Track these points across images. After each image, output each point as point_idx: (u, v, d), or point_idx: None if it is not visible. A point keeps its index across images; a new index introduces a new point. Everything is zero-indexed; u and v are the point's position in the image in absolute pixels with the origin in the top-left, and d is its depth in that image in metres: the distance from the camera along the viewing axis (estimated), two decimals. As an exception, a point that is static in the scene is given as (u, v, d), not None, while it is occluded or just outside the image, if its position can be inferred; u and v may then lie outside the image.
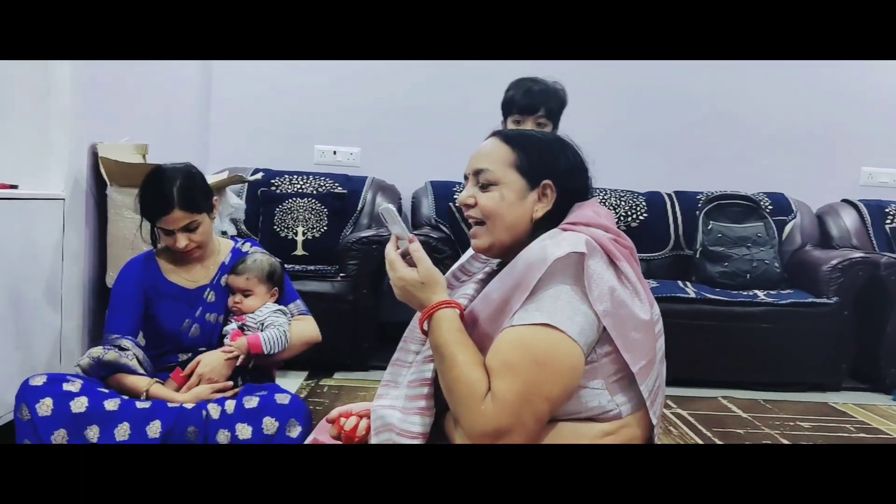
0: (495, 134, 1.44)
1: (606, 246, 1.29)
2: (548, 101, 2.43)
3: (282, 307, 2.21)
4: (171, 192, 2.06)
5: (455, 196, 3.71)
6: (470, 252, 1.54)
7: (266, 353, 2.09)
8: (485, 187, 1.38)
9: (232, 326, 2.17)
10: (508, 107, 2.46)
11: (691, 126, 4.28)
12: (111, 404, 1.94)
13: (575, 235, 1.29)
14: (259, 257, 2.22)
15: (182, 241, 2.09)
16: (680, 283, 3.71)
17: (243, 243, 2.33)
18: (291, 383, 3.14)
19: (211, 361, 2.09)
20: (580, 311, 1.23)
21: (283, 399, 2.04)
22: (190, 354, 2.16)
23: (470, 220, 1.42)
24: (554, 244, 1.27)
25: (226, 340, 2.16)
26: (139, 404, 1.96)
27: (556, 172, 1.39)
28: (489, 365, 1.23)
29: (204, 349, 2.16)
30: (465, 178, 1.45)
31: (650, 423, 1.32)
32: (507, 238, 1.38)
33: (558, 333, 1.21)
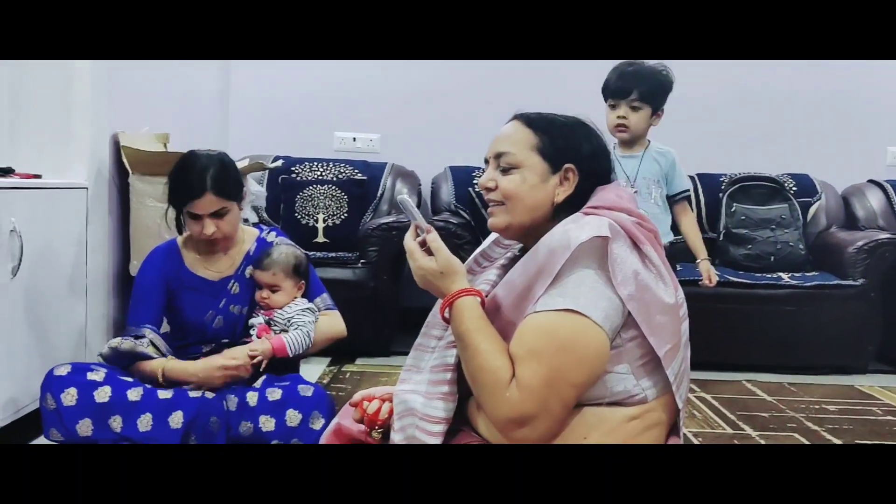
0: (517, 117, 1.43)
1: (630, 229, 1.28)
2: (640, 83, 2.45)
3: (310, 305, 2.20)
4: (205, 176, 2.05)
5: (475, 181, 3.70)
6: (492, 237, 1.53)
7: (290, 355, 2.10)
8: (506, 171, 1.37)
9: (259, 320, 2.16)
10: (604, 92, 2.50)
11: (714, 107, 4.22)
12: (134, 394, 1.95)
13: (598, 219, 1.27)
14: (284, 250, 2.19)
15: (210, 227, 2.07)
16: (703, 266, 3.68)
17: (268, 232, 2.31)
18: (314, 370, 3.15)
19: (236, 356, 2.09)
20: (605, 296, 1.22)
21: (306, 391, 2.04)
22: (213, 346, 2.17)
23: (490, 204, 1.41)
24: (577, 228, 1.25)
25: (252, 333, 2.16)
26: (161, 394, 1.97)
27: (579, 156, 1.37)
28: (513, 352, 1.23)
29: (227, 340, 2.17)
30: (486, 161, 1.43)
31: (676, 406, 1.31)
32: (526, 220, 1.36)
33: (583, 319, 1.20)
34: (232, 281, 2.19)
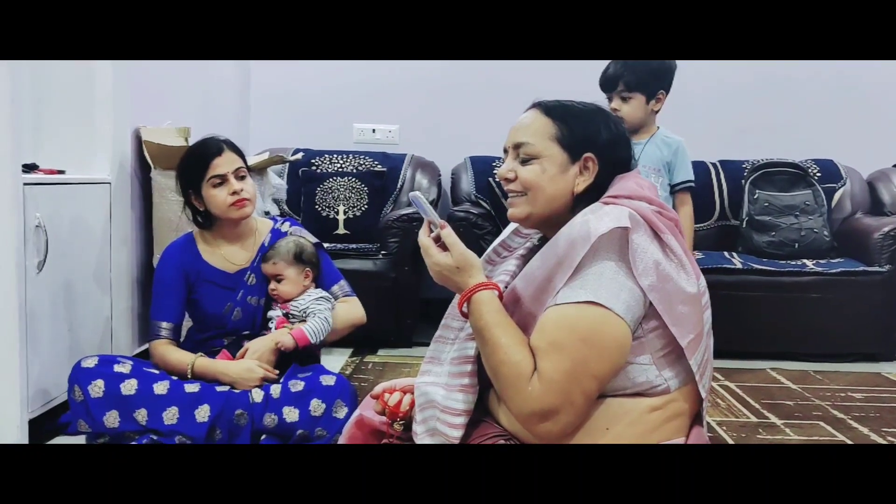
0: (535, 105, 1.42)
1: (650, 218, 1.27)
2: (626, 73, 2.45)
3: (324, 293, 2.21)
4: (218, 139, 2.17)
5: (495, 171, 3.69)
6: (511, 227, 1.52)
7: (313, 343, 2.11)
8: (525, 161, 1.36)
9: (277, 313, 2.18)
10: (599, 85, 2.54)
11: (735, 93, 4.18)
12: (160, 388, 1.98)
13: (617, 209, 1.26)
14: (287, 239, 2.21)
15: (236, 183, 2.12)
16: (726, 253, 3.65)
17: (283, 223, 2.32)
18: (336, 361, 3.17)
19: (260, 348, 2.11)
20: (626, 287, 1.21)
21: (328, 380, 2.06)
22: (234, 338, 2.19)
23: (509, 194, 1.40)
24: (596, 219, 1.24)
25: (271, 325, 2.18)
26: (188, 388, 1.99)
27: (598, 144, 1.36)
28: (534, 345, 1.22)
29: (248, 333, 2.19)
30: (505, 151, 1.43)
31: (699, 396, 1.30)
32: (546, 210, 1.36)
33: (604, 311, 1.20)
34: (248, 272, 2.20)
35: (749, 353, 3.39)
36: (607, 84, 2.49)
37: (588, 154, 1.35)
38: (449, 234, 1.33)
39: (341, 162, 3.91)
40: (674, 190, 2.59)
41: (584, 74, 4.07)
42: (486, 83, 4.16)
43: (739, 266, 3.46)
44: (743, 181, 3.84)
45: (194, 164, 2.15)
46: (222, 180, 2.12)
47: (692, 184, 2.62)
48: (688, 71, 4.16)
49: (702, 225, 3.88)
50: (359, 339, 3.40)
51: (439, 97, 4.19)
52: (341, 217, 3.71)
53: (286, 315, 2.17)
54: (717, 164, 3.99)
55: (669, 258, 1.26)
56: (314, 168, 3.87)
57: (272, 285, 2.16)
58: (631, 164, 1.41)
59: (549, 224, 1.37)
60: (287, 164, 3.85)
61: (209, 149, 2.15)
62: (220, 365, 2.08)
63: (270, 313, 2.20)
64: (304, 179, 3.81)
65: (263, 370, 2.06)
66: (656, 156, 2.55)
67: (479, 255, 1.51)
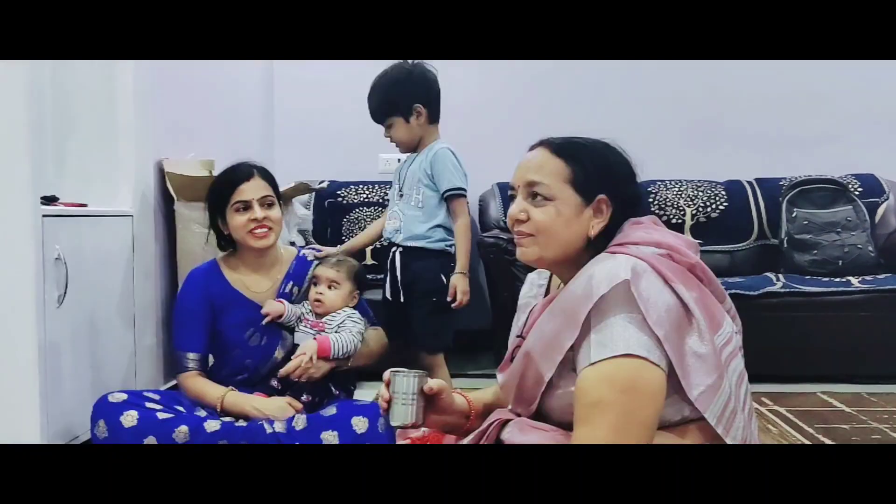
0: (543, 144, 1.38)
1: (657, 266, 1.24)
2: (373, 106, 2.50)
3: (360, 317, 2.16)
4: (251, 165, 2.15)
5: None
6: (528, 281, 1.54)
7: (333, 356, 2.03)
8: (537, 201, 1.33)
9: (308, 335, 2.10)
10: None
11: (769, 108, 4.06)
12: (180, 435, 1.88)
13: (621, 261, 1.24)
14: (349, 258, 2.22)
15: (259, 211, 2.07)
16: (768, 274, 3.51)
17: (309, 251, 2.29)
18: (368, 394, 3.07)
19: (310, 348, 2.03)
20: (645, 334, 1.19)
21: (363, 401, 1.99)
22: (246, 375, 2.12)
23: (517, 236, 1.37)
24: (599, 276, 1.22)
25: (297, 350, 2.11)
26: (209, 427, 1.91)
27: (611, 185, 1.34)
28: (576, 416, 1.20)
29: (270, 363, 2.11)
30: (511, 188, 1.39)
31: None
32: (558, 255, 1.34)
33: (639, 360, 1.18)
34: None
35: (798, 377, 3.23)
36: (374, 118, 2.53)
37: (601, 196, 1.32)
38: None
39: (367, 192, 3.85)
40: (445, 198, 2.46)
41: (603, 98, 4.03)
42: (511, 108, 4.09)
43: (782, 287, 3.32)
44: (780, 199, 3.72)
45: (221, 187, 2.14)
46: (246, 206, 2.08)
47: (459, 191, 2.47)
48: (719, 87, 4.10)
49: (740, 245, 3.77)
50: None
51: (463, 123, 4.09)
52: (368, 248, 3.63)
53: (315, 336, 2.10)
54: (753, 183, 3.88)
55: (681, 307, 1.24)
56: (340, 199, 3.82)
57: (319, 290, 2.11)
58: (640, 201, 1.41)
59: (562, 266, 1.36)
60: (313, 196, 3.81)
61: (238, 173, 2.13)
62: (253, 401, 2.00)
63: (299, 336, 2.13)
64: (331, 211, 3.76)
65: (294, 409, 1.99)
66: (417, 168, 2.48)
67: (512, 283, 1.58)
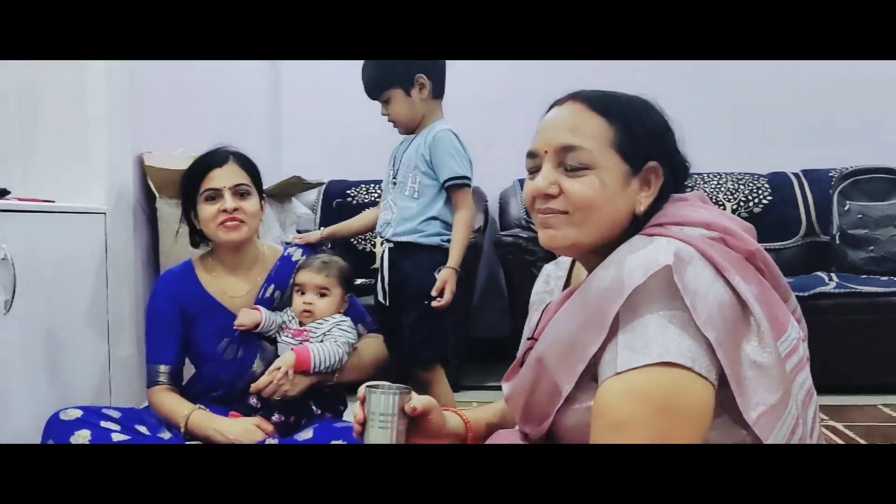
0: (575, 98, 1.09)
1: (707, 252, 0.96)
2: (368, 79, 2.20)
3: (352, 325, 1.89)
4: (227, 150, 1.90)
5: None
6: (547, 269, 1.28)
7: (314, 369, 1.75)
8: (574, 171, 1.04)
9: (288, 340, 1.84)
10: None
11: (816, 95, 3.73)
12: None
13: (661, 244, 0.97)
14: (334, 258, 1.91)
15: (231, 201, 1.82)
16: (819, 274, 3.17)
17: (295, 251, 2.02)
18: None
19: (286, 361, 1.76)
20: (689, 336, 0.91)
21: (342, 423, 1.73)
22: (221, 392, 1.87)
23: (540, 217, 1.08)
24: (633, 263, 0.94)
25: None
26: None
27: (664, 151, 1.07)
28: (595, 440, 0.93)
29: (248, 377, 1.85)
30: (531, 156, 1.11)
31: None
32: (598, 239, 1.06)
33: (680, 370, 0.90)
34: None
35: (854, 387, 2.90)
36: (369, 93, 2.22)
37: (651, 164, 1.06)
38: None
39: (378, 193, 3.60)
40: (446, 188, 2.16)
41: (635, 80, 3.73)
42: (530, 102, 3.80)
43: (836, 287, 2.99)
44: (830, 192, 3.39)
45: (192, 173, 1.90)
46: (216, 195, 1.82)
47: (461, 180, 2.16)
48: (762, 75, 3.77)
49: (787, 243, 3.44)
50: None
51: (480, 118, 3.85)
52: (378, 250, 3.37)
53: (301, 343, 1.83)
54: (800, 175, 3.55)
55: (737, 303, 0.96)
56: (350, 199, 3.58)
57: (306, 300, 1.83)
58: (687, 173, 1.13)
59: (600, 251, 1.06)
60: (321, 196, 3.57)
61: (211, 158, 1.89)
62: (217, 423, 1.74)
63: (281, 346, 1.86)
64: (339, 210, 3.52)
65: (263, 432, 1.72)
66: (413, 152, 2.19)
67: (532, 282, 1.30)
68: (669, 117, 1.13)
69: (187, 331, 1.89)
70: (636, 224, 1.06)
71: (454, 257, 2.10)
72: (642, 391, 0.91)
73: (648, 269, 0.93)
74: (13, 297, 1.78)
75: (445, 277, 2.08)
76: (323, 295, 1.85)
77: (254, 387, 1.75)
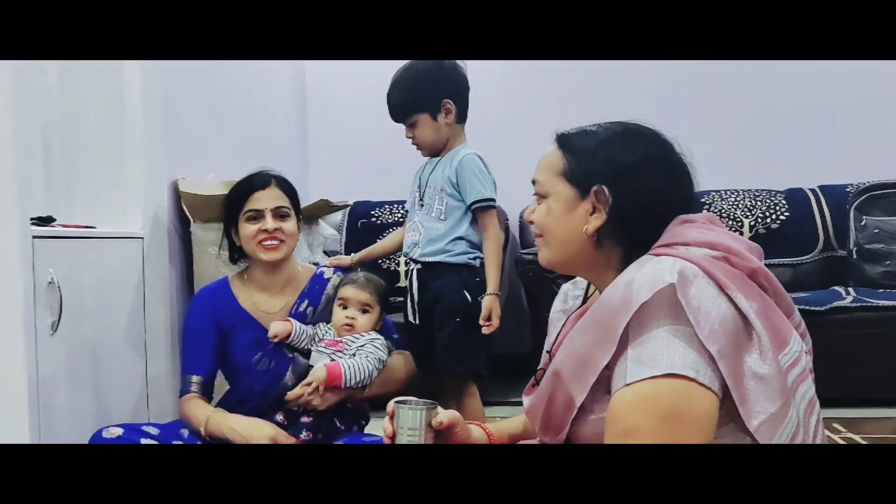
0: (555, 138, 1.26)
1: (710, 270, 1.04)
2: (395, 103, 2.26)
3: (379, 340, 1.98)
4: (270, 173, 2.03)
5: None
6: (562, 292, 1.40)
7: (344, 384, 1.84)
8: (540, 199, 1.23)
9: (324, 357, 1.92)
10: None
11: (832, 110, 3.77)
12: None
13: (666, 263, 1.05)
14: (374, 277, 2.02)
15: (271, 222, 1.94)
16: (836, 288, 3.22)
17: (327, 269, 2.12)
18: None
19: (318, 377, 1.85)
20: (694, 349, 0.99)
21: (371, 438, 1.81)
22: (254, 404, 1.95)
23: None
24: (640, 280, 1.03)
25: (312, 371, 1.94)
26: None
27: (612, 172, 1.16)
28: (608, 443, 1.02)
29: (280, 389, 1.94)
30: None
31: None
32: (561, 255, 1.21)
33: (686, 382, 0.98)
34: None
35: (872, 400, 2.94)
36: (396, 116, 2.28)
37: (597, 187, 1.16)
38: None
39: (402, 213, 3.69)
40: (472, 210, 2.23)
41: (649, 102, 3.80)
42: (549, 126, 3.88)
43: (853, 302, 3.03)
44: (847, 207, 3.43)
45: (236, 195, 2.02)
46: (258, 216, 1.94)
47: (487, 202, 2.22)
48: (779, 93, 3.83)
49: (804, 258, 3.48)
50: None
51: (499, 138, 3.93)
52: (402, 269, 3.47)
53: (332, 356, 1.92)
54: (817, 190, 3.60)
55: (739, 319, 1.03)
56: (374, 219, 3.68)
57: (349, 314, 1.93)
58: (682, 195, 1.19)
59: (576, 268, 1.23)
60: (346, 216, 3.67)
61: (254, 181, 2.02)
62: (231, 421, 1.85)
63: (314, 356, 1.95)
64: (364, 231, 3.62)
65: (273, 429, 1.82)
66: (439, 174, 2.25)
67: (552, 298, 1.41)
68: (665, 139, 1.21)
69: (222, 344, 1.98)
70: (599, 242, 1.17)
71: (492, 282, 2.18)
72: (650, 400, 0.98)
73: (654, 287, 1.01)
74: (59, 319, 1.89)
75: (489, 304, 2.15)
76: (365, 311, 1.94)
77: (288, 395, 1.84)
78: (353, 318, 1.93)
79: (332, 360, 1.89)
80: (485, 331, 2.15)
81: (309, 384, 1.82)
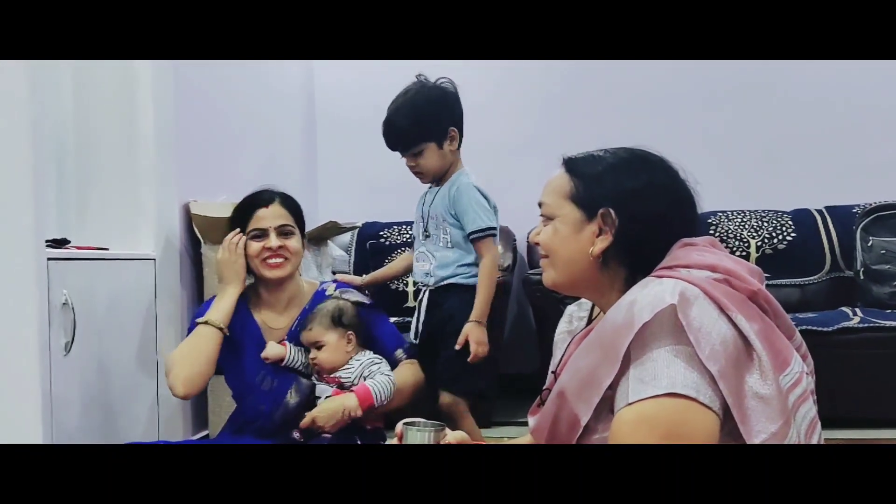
0: (563, 162, 1.29)
1: (711, 292, 1.06)
2: (403, 129, 2.19)
3: (376, 357, 1.99)
4: (274, 191, 2.05)
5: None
6: (567, 314, 1.42)
7: (377, 404, 1.86)
8: (546, 221, 1.26)
9: (326, 390, 1.94)
10: None
11: (838, 130, 3.78)
12: None
13: (668, 284, 1.07)
14: (323, 303, 2.00)
15: (275, 240, 1.96)
16: (843, 309, 3.22)
17: (329, 285, 2.13)
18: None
19: (329, 408, 1.87)
20: (693, 369, 1.01)
21: None
22: (257, 425, 1.97)
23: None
24: (642, 302, 1.05)
25: (319, 403, 1.95)
26: None
27: (619, 196, 1.19)
28: None
29: (282, 408, 1.96)
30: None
31: None
32: (567, 276, 1.24)
33: (687, 401, 1.00)
34: (285, 340, 2.02)
35: (880, 422, 2.93)
36: (399, 146, 2.23)
37: (603, 209, 1.19)
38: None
39: (410, 234, 3.72)
40: (471, 239, 2.20)
41: (663, 119, 3.84)
42: (556, 146, 3.91)
43: (860, 322, 3.03)
44: (854, 227, 3.44)
45: (240, 213, 2.04)
46: (262, 234, 1.96)
47: (484, 232, 2.18)
48: (785, 111, 3.85)
49: (811, 279, 3.49)
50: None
51: (510, 160, 3.99)
52: (410, 289, 3.49)
53: (340, 387, 1.93)
54: (824, 211, 3.60)
55: (740, 340, 1.06)
56: (382, 240, 3.71)
57: (312, 354, 1.94)
58: (685, 219, 1.23)
59: (580, 289, 1.26)
60: (355, 237, 3.70)
61: (257, 199, 2.03)
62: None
63: (319, 390, 1.96)
64: (372, 252, 3.64)
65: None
66: (441, 203, 2.23)
67: (559, 318, 1.44)
68: (672, 166, 1.24)
69: (231, 352, 1.98)
70: (604, 264, 1.19)
71: (478, 310, 2.13)
72: (651, 419, 1.00)
73: (656, 307, 1.03)
74: (73, 339, 1.93)
75: (468, 331, 2.11)
76: (319, 347, 1.94)
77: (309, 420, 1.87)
78: (314, 359, 1.91)
79: (346, 387, 1.92)
80: (469, 359, 2.11)
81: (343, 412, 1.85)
